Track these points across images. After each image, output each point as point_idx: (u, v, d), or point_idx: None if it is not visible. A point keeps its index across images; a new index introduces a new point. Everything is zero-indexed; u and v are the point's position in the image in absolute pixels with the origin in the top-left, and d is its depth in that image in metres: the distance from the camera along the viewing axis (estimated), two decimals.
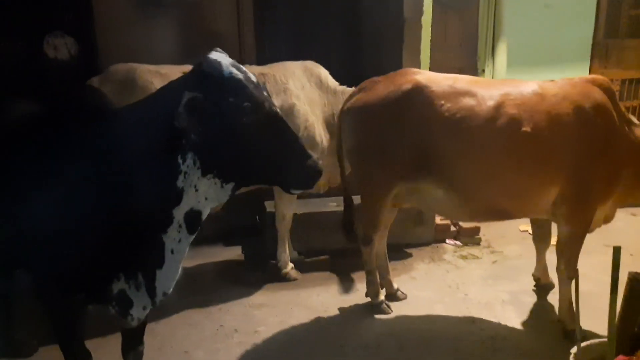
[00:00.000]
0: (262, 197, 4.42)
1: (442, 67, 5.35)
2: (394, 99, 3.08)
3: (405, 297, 3.61)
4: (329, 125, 3.87)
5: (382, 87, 3.19)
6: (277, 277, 3.88)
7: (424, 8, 4.53)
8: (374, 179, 3.22)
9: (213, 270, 4.06)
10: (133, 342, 2.37)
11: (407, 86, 3.07)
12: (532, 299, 3.61)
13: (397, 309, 3.48)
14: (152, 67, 3.46)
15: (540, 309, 3.47)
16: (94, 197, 1.97)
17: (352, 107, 3.26)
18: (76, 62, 4.13)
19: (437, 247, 4.45)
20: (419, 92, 3.03)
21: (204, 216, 2.07)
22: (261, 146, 1.93)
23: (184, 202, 1.98)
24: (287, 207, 3.85)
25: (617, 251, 1.89)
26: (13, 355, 2.93)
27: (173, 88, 1.97)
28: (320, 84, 3.91)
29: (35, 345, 3.00)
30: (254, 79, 1.96)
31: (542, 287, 3.67)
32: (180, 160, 1.90)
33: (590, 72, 5.55)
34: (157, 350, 3.05)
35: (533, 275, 3.72)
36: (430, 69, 4.79)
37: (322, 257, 4.13)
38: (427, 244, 4.43)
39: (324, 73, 3.97)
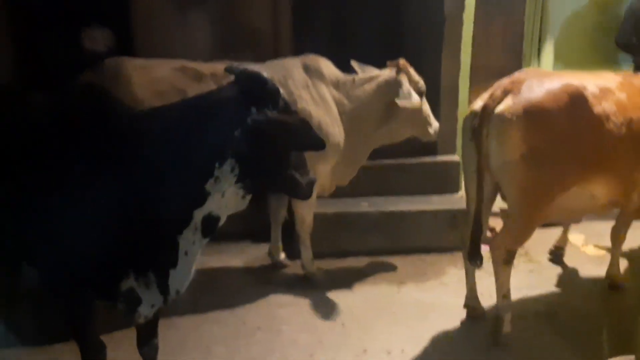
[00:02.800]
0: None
1: (485, 66, 5.21)
2: (570, 102, 2.95)
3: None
4: (340, 119, 3.68)
5: (539, 88, 2.95)
6: (304, 277, 3.82)
7: (467, 5, 4.39)
8: (541, 190, 2.98)
9: (240, 267, 4.03)
10: (147, 335, 2.36)
11: (574, 88, 2.99)
12: (567, 312, 3.42)
13: (425, 315, 3.36)
14: (139, 62, 3.36)
15: (580, 323, 3.27)
16: (111, 193, 1.94)
17: (512, 113, 2.89)
18: (113, 54, 4.18)
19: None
20: (581, 93, 3.01)
21: (221, 223, 2.06)
22: (288, 161, 2.02)
23: (207, 205, 1.98)
24: (307, 209, 3.70)
25: None
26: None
27: (228, 96, 1.99)
28: (324, 78, 3.68)
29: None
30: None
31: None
32: (216, 165, 1.91)
33: None
34: (179, 345, 3.04)
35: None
36: (472, 69, 4.66)
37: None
38: (460, 249, 4.27)
39: (325, 66, 3.74)
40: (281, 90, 2.00)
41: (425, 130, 3.90)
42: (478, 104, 3.06)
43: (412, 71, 3.77)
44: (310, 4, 4.90)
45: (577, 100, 2.99)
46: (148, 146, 1.96)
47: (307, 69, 3.67)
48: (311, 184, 2.10)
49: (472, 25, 4.41)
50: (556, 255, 4.12)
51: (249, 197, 2.05)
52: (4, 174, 2.06)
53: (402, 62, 3.76)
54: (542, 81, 3.02)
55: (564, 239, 4.12)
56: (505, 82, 3.07)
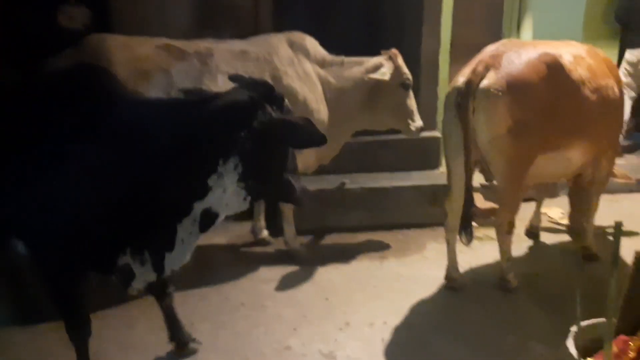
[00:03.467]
0: None
1: (465, 42, 5.22)
2: (548, 71, 3.03)
3: None
4: (324, 98, 3.70)
5: (518, 61, 3.01)
6: (286, 252, 3.85)
7: None
8: (527, 159, 3.07)
9: (223, 244, 4.04)
10: (161, 289, 2.60)
11: (551, 57, 3.07)
12: (546, 282, 3.51)
13: (407, 288, 3.43)
14: (122, 39, 3.30)
15: (556, 293, 3.36)
16: (112, 173, 2.02)
17: (497, 88, 2.94)
18: (90, 32, 4.11)
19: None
20: (557, 61, 3.09)
21: (219, 220, 2.18)
22: (286, 162, 2.17)
23: (207, 199, 2.08)
24: None
25: (618, 227, 1.81)
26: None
27: (238, 100, 2.07)
28: (309, 55, 3.68)
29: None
30: None
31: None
32: (220, 161, 2.02)
33: None
34: (163, 321, 3.06)
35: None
36: (452, 45, 4.68)
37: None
38: (441, 224, 4.32)
39: (310, 43, 3.74)
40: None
41: (406, 125, 3.86)
42: (460, 80, 3.08)
43: (401, 62, 3.79)
44: None
45: (555, 69, 3.07)
46: (157, 134, 2.04)
47: (292, 45, 3.66)
48: (304, 191, 2.24)
49: (451, 1, 4.41)
50: (532, 234, 4.16)
51: (249, 199, 2.15)
52: None
53: (394, 51, 3.79)
54: (519, 53, 3.06)
55: (537, 217, 4.16)
56: (485, 56, 3.09)
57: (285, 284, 3.49)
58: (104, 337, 2.76)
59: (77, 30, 4.08)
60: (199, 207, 2.09)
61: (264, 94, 2.08)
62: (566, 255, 3.87)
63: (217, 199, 2.09)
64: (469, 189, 3.16)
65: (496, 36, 5.29)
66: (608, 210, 4.57)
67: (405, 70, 3.80)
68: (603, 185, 3.70)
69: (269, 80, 3.29)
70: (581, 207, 3.87)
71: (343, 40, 4.08)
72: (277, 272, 3.62)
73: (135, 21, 4.22)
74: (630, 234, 4.02)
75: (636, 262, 1.95)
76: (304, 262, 3.73)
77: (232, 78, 2.27)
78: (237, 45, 3.53)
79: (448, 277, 3.44)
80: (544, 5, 5.08)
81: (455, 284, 3.42)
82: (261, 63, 3.48)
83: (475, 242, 4.07)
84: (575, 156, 3.31)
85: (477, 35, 5.27)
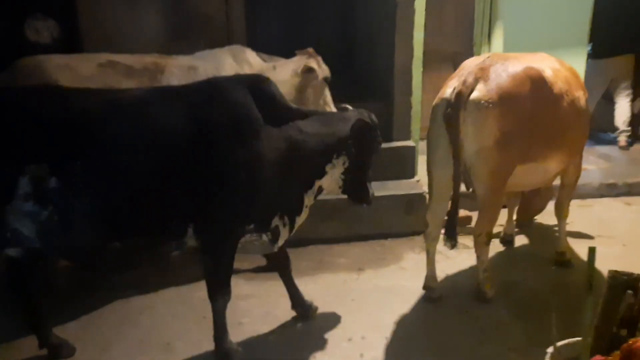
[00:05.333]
0: None
1: (437, 52, 5.28)
2: (533, 84, 3.12)
3: None
4: None
5: (505, 73, 3.07)
6: (264, 266, 3.81)
7: None
8: (509, 169, 3.12)
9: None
10: (283, 262, 3.17)
11: (535, 71, 3.17)
12: (522, 290, 3.55)
13: (385, 301, 3.43)
14: (61, 61, 3.19)
15: (532, 302, 3.40)
16: (286, 165, 2.76)
17: (488, 100, 2.99)
18: (58, 45, 4.03)
19: None
20: (541, 75, 3.19)
21: (319, 195, 3.04)
22: (369, 168, 3.11)
23: (322, 180, 2.95)
24: None
25: (591, 252, 1.84)
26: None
27: (350, 117, 2.99)
28: (251, 67, 3.72)
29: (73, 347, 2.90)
30: None
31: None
32: (334, 156, 2.90)
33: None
34: (138, 342, 3.01)
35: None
36: (425, 54, 4.71)
37: None
38: (418, 233, 4.35)
39: (250, 55, 3.78)
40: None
41: None
42: (448, 92, 3.11)
43: (319, 59, 3.91)
44: None
45: (539, 82, 3.16)
46: (304, 136, 2.82)
47: (235, 58, 3.68)
48: (373, 196, 3.15)
49: (423, 11, 4.44)
50: (506, 241, 4.23)
51: (341, 188, 3.05)
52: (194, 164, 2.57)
53: (311, 50, 3.91)
54: (505, 66, 3.13)
55: (510, 225, 4.23)
56: (473, 68, 3.13)
57: (262, 299, 3.45)
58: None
59: (45, 44, 4.02)
60: (317, 184, 2.95)
61: (368, 117, 3.01)
62: (541, 262, 3.91)
63: (327, 182, 2.97)
64: (456, 198, 3.18)
65: (467, 45, 5.38)
66: (580, 215, 4.68)
67: (324, 65, 3.94)
68: (572, 190, 3.79)
69: None
70: (530, 204, 4.31)
71: (315, 50, 4.07)
72: (254, 288, 3.59)
73: (106, 34, 4.16)
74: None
75: (610, 282, 1.97)
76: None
77: (341, 109, 3.18)
78: (185, 61, 3.52)
79: (426, 287, 3.45)
80: (514, 14, 5.15)
81: (434, 293, 3.43)
82: (209, 76, 3.45)
83: (450, 251, 4.13)
84: (552, 166, 3.40)
85: (449, 45, 5.36)
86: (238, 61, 3.67)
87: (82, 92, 2.66)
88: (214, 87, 2.76)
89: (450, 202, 3.21)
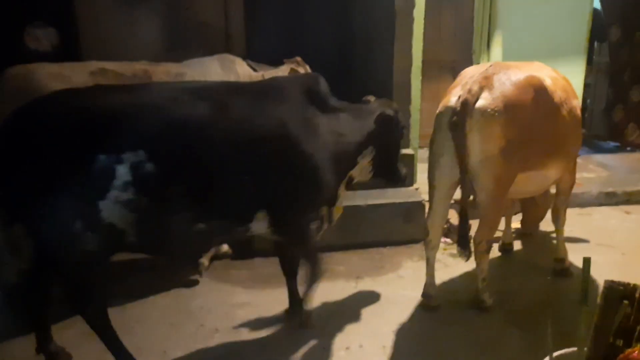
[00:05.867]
0: None
1: (436, 60, 5.30)
2: (535, 93, 3.15)
3: None
4: None
5: (509, 82, 3.10)
6: (263, 275, 3.81)
7: (417, 0, 4.43)
8: (511, 177, 3.14)
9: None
10: (294, 264, 3.26)
11: (537, 80, 3.21)
12: (520, 299, 3.54)
13: (383, 309, 3.42)
14: (53, 69, 3.18)
15: (530, 311, 3.39)
16: (332, 157, 2.97)
17: (494, 108, 3.01)
18: (58, 53, 4.04)
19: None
20: (542, 84, 3.23)
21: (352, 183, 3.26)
22: (398, 154, 3.44)
23: (353, 170, 3.16)
24: None
25: (586, 262, 1.83)
26: None
27: (372, 109, 3.23)
28: (238, 77, 3.72)
29: (69, 355, 2.91)
30: None
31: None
32: (364, 147, 3.13)
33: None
34: (134, 351, 2.97)
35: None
36: (424, 63, 4.73)
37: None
38: (416, 241, 4.35)
39: (239, 64, 3.79)
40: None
41: None
42: (453, 100, 3.12)
43: (307, 67, 3.93)
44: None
45: (540, 91, 3.20)
46: (343, 129, 3.05)
47: (223, 67, 3.70)
48: (405, 174, 3.47)
49: (422, 19, 4.45)
50: (505, 250, 4.24)
51: (371, 174, 3.29)
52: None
53: (298, 59, 3.94)
54: (508, 75, 3.15)
55: (508, 233, 4.23)
56: (477, 76, 3.15)
57: (260, 308, 3.44)
58: None
59: (45, 51, 4.04)
60: (348, 174, 3.14)
61: (390, 106, 3.29)
62: (540, 271, 3.91)
63: (357, 170, 3.18)
64: (465, 207, 3.20)
65: (467, 55, 5.40)
66: (579, 224, 4.67)
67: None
68: (567, 197, 3.80)
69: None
70: (532, 213, 4.31)
71: (314, 58, 4.09)
72: (251, 296, 3.59)
73: (105, 42, 4.17)
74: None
75: (605, 292, 1.96)
76: (278, 285, 3.66)
77: (365, 101, 3.37)
78: (173, 68, 3.53)
79: (425, 295, 3.44)
80: (513, 23, 5.18)
81: (432, 302, 3.43)
82: None
83: (449, 259, 4.15)
84: (550, 173, 3.43)
85: (448, 53, 5.38)
86: (225, 70, 3.69)
87: (167, 85, 2.95)
88: (281, 85, 3.06)
89: (459, 212, 3.25)
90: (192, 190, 2.54)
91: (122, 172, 2.37)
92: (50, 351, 2.84)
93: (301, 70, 3.89)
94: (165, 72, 3.46)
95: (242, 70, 3.77)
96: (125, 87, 2.76)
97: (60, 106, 2.43)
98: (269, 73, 3.86)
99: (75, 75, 3.17)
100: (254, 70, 3.85)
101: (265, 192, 2.75)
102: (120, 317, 3.32)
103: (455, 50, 5.21)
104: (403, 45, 4.44)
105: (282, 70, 3.90)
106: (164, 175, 2.45)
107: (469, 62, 5.24)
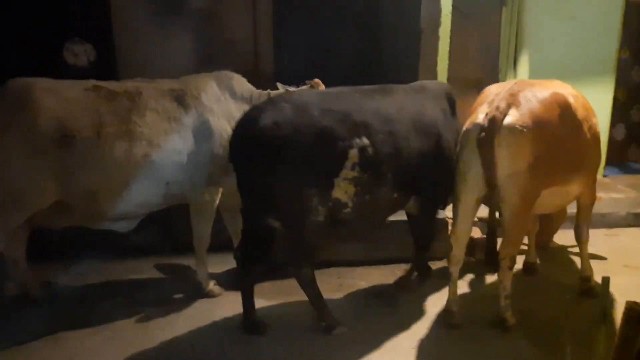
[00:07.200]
0: None
1: (462, 78, 5.30)
2: (560, 110, 3.23)
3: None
4: None
5: (535, 99, 3.18)
6: (284, 287, 3.85)
7: (442, 19, 4.48)
8: (537, 193, 3.19)
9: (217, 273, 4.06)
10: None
11: (562, 97, 3.29)
12: (542, 318, 3.50)
13: (403, 325, 3.42)
14: (49, 85, 3.31)
15: (551, 331, 3.35)
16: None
17: (522, 125, 3.06)
18: (94, 68, 4.22)
19: None
20: (567, 101, 3.31)
21: None
22: None
23: None
24: (204, 227, 3.71)
25: (605, 282, 1.82)
26: None
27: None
28: (235, 94, 3.74)
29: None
30: None
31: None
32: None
33: None
34: (157, 358, 3.06)
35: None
36: (449, 81, 4.76)
37: None
38: (438, 258, 4.34)
39: (237, 82, 3.79)
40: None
41: None
42: (480, 117, 3.17)
43: (321, 88, 3.86)
44: (291, 17, 4.97)
45: (565, 108, 3.27)
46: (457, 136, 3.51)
47: (219, 84, 3.71)
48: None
49: (448, 37, 4.50)
50: (529, 269, 4.17)
51: None
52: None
53: (316, 80, 3.91)
54: (534, 92, 3.22)
55: (532, 252, 4.18)
56: (504, 93, 3.21)
57: (282, 319, 3.48)
58: None
59: (82, 67, 4.21)
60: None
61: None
62: (562, 290, 3.86)
63: None
64: (493, 222, 3.23)
65: (493, 73, 5.39)
66: (606, 245, 4.61)
67: None
68: (589, 214, 3.78)
69: (196, 117, 3.53)
70: (545, 226, 4.33)
71: (340, 75, 4.15)
72: (273, 308, 3.63)
73: (140, 57, 4.33)
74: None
75: (626, 313, 1.95)
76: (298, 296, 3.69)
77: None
78: (165, 84, 3.59)
79: (448, 311, 3.44)
80: (540, 42, 5.16)
81: (454, 318, 3.42)
82: (189, 99, 3.55)
83: (470, 275, 4.12)
84: (573, 189, 3.46)
85: (473, 71, 5.38)
86: (221, 87, 3.70)
87: (369, 89, 3.46)
88: (435, 87, 3.67)
89: (487, 227, 3.26)
90: (392, 167, 3.25)
91: (353, 155, 3.08)
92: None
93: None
94: (156, 87, 3.54)
95: (239, 88, 3.78)
96: (343, 93, 3.35)
97: (312, 107, 3.08)
98: (280, 91, 3.85)
99: (68, 90, 3.30)
100: (286, 90, 3.86)
101: (419, 179, 3.40)
102: (145, 324, 3.42)
103: (481, 69, 5.21)
104: (428, 63, 4.50)
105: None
106: (379, 156, 3.18)
107: (494, 81, 5.22)
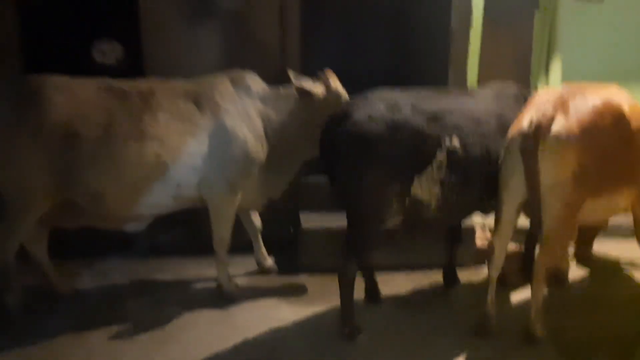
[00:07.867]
0: (297, 209, 4.40)
1: (492, 81, 5.18)
2: (612, 119, 3.10)
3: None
4: (264, 136, 3.67)
5: (585, 107, 3.06)
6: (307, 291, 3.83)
7: (474, 21, 4.39)
8: (580, 203, 3.08)
9: (241, 275, 4.04)
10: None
11: (615, 105, 3.15)
12: (574, 333, 3.39)
13: (428, 333, 3.35)
14: (62, 82, 3.30)
15: (583, 348, 3.24)
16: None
17: (569, 133, 2.98)
18: (122, 67, 4.23)
19: (476, 269, 4.26)
20: (620, 109, 3.16)
21: None
22: None
23: None
24: (224, 229, 3.66)
25: None
26: None
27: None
28: (251, 93, 3.66)
29: None
30: None
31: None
32: None
33: None
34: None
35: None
36: (480, 84, 4.66)
37: None
38: (466, 265, 4.26)
39: (251, 81, 3.71)
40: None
41: None
42: (525, 124, 3.07)
43: (334, 81, 3.73)
44: (319, 18, 4.94)
45: (618, 117, 3.12)
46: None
47: (234, 83, 3.66)
48: None
49: (479, 41, 4.40)
50: (559, 280, 4.03)
51: None
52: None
53: (327, 71, 3.77)
54: (585, 99, 3.10)
55: (565, 263, 4.06)
56: (551, 99, 3.11)
57: (304, 324, 3.45)
58: None
59: (110, 65, 4.24)
60: None
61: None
62: (597, 304, 3.75)
63: None
64: (535, 232, 3.22)
65: (524, 76, 5.25)
66: None
67: (340, 89, 3.74)
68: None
69: (211, 118, 3.45)
70: (586, 240, 4.29)
71: (368, 75, 4.09)
72: (295, 313, 3.58)
73: (168, 57, 4.34)
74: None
75: None
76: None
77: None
78: (179, 84, 3.56)
79: (484, 315, 3.34)
80: (575, 45, 5.02)
81: (485, 330, 3.33)
82: (204, 102, 3.50)
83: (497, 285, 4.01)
84: (619, 201, 3.32)
85: (505, 75, 5.23)
86: (237, 87, 3.64)
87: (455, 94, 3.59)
88: (511, 88, 3.68)
89: (526, 236, 3.33)
90: (480, 169, 3.24)
91: (441, 155, 3.11)
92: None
93: (332, 81, 3.71)
94: (169, 87, 3.52)
95: (255, 87, 3.70)
96: (433, 94, 3.39)
97: (405, 106, 3.12)
98: (287, 89, 3.75)
99: (81, 88, 3.29)
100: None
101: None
102: (166, 326, 3.41)
103: (512, 72, 5.07)
104: (458, 65, 4.40)
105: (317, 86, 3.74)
106: (468, 158, 3.17)
107: (526, 84, 5.11)
